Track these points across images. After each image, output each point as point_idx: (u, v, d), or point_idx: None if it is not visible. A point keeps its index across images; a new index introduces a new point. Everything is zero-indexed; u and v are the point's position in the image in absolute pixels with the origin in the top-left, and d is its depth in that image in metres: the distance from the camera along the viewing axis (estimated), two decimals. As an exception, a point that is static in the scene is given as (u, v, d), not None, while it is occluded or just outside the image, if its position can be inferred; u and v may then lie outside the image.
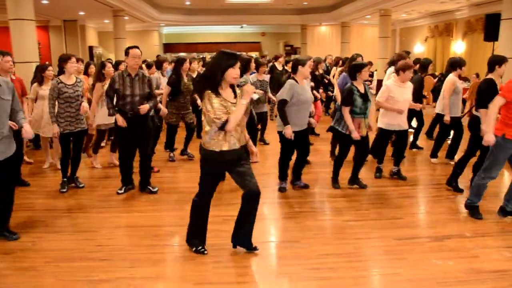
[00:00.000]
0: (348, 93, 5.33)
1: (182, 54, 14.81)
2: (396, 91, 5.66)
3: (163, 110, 6.55)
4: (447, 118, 6.43)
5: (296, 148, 5.49)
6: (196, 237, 3.93)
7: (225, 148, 3.52)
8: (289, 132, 5.09)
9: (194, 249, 3.90)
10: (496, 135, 4.40)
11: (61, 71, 5.38)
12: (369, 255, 3.87)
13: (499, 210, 4.76)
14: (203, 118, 3.55)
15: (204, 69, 5.91)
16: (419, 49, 19.56)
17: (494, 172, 4.56)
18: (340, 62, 11.60)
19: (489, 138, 4.35)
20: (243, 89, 3.48)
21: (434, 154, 7.07)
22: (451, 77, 6.52)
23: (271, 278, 3.53)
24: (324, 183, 5.83)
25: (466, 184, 5.61)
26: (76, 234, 4.34)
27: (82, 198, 5.39)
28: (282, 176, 5.60)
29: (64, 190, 5.58)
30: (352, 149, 5.67)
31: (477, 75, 12.58)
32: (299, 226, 4.51)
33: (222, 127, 3.42)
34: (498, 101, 4.35)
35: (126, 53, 5.20)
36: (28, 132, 4.03)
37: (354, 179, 5.69)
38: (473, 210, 4.73)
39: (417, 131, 8.02)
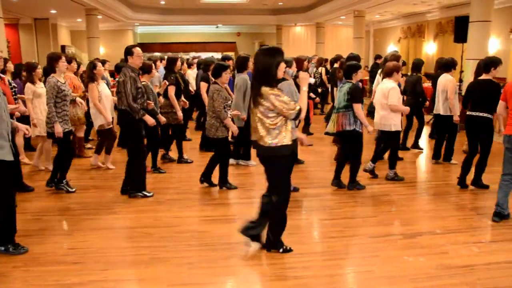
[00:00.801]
0: (360, 92, 5.46)
1: (157, 54, 14.64)
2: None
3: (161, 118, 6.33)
4: (456, 118, 6.52)
5: None
6: (280, 236, 3.86)
7: (292, 137, 3.67)
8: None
9: (282, 250, 3.83)
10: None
11: (51, 70, 5.30)
12: (343, 253, 3.92)
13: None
14: (257, 120, 3.54)
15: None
16: (392, 49, 19.88)
17: None
18: (323, 62, 11.78)
19: None
20: (300, 77, 3.67)
21: (437, 156, 7.04)
22: (450, 77, 6.67)
23: (246, 278, 3.54)
24: (299, 182, 5.86)
25: (451, 182, 5.74)
26: (48, 238, 4.24)
27: (54, 201, 5.29)
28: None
29: (73, 189, 5.56)
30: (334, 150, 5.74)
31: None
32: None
33: (296, 117, 3.51)
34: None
35: (130, 52, 5.10)
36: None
37: (337, 179, 5.76)
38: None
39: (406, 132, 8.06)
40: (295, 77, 3.71)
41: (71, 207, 5.07)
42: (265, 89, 3.44)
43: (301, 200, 5.34)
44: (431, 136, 8.79)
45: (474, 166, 5.64)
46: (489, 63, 5.27)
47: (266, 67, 3.48)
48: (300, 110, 3.48)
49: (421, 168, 7.18)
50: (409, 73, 8.29)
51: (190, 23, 23.34)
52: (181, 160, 7.01)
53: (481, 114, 5.35)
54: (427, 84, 10.63)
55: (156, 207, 5.07)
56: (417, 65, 7.83)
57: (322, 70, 11.44)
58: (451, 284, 3.35)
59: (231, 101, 5.52)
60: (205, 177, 5.73)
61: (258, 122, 3.56)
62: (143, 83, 5.77)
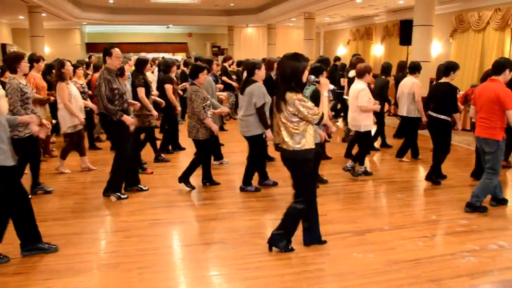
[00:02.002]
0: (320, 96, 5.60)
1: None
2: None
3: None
4: (425, 119, 6.67)
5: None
6: (287, 238, 3.90)
7: (315, 141, 3.72)
8: (270, 135, 5.24)
9: (284, 249, 3.87)
10: (498, 140, 4.70)
11: (12, 71, 5.00)
12: (294, 252, 3.94)
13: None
14: (280, 124, 3.59)
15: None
16: (342, 51, 20.38)
17: (499, 170, 4.87)
18: None
19: None
20: (321, 83, 3.76)
21: (415, 155, 7.28)
22: (416, 80, 6.90)
23: (198, 281, 3.49)
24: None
25: (398, 180, 5.90)
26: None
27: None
28: (249, 181, 5.63)
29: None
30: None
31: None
32: (226, 227, 4.51)
33: (319, 122, 3.57)
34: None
35: (109, 53, 4.97)
36: None
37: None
38: (481, 207, 4.91)
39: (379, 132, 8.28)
40: (317, 82, 3.77)
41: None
42: (290, 95, 3.49)
43: (249, 201, 5.34)
44: (395, 135, 9.06)
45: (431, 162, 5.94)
46: (449, 67, 5.63)
47: (294, 72, 3.52)
48: (323, 115, 3.54)
49: (370, 166, 7.38)
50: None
51: (140, 23, 22.91)
52: (158, 158, 7.03)
53: (440, 116, 5.65)
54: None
55: (104, 212, 4.93)
56: (386, 68, 8.05)
57: None
58: (398, 278, 3.47)
59: (210, 101, 5.50)
60: (184, 178, 5.67)
61: (281, 126, 3.60)
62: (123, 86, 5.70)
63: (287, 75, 3.54)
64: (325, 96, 3.75)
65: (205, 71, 5.50)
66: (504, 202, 5.13)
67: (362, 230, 4.44)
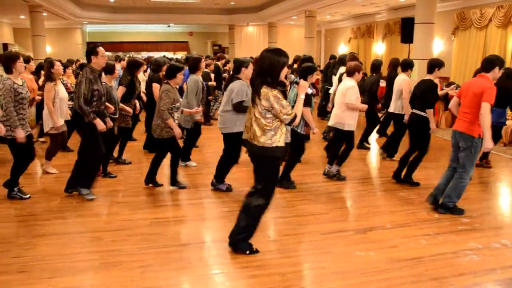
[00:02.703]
0: (309, 96, 5.46)
1: (107, 54, 14.23)
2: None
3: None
4: (406, 118, 6.55)
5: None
6: (249, 239, 3.83)
7: (286, 141, 3.72)
8: None
9: (249, 251, 3.79)
10: (473, 136, 4.61)
11: (7, 71, 4.95)
12: (296, 250, 3.95)
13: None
14: (253, 119, 3.55)
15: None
16: (343, 49, 20.36)
17: (471, 170, 4.78)
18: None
19: (490, 145, 4.57)
20: (299, 85, 3.70)
21: (393, 153, 7.21)
22: (406, 77, 6.88)
23: (200, 280, 3.49)
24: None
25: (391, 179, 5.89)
26: (-12, 246, 4.02)
27: (-5, 207, 5.02)
28: (222, 178, 5.55)
29: (27, 196, 5.26)
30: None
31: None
32: (228, 226, 4.49)
33: (290, 122, 3.54)
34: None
35: (95, 52, 4.91)
36: None
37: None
38: (455, 209, 4.83)
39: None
40: (296, 83, 3.74)
41: (15, 213, 4.82)
42: (265, 90, 3.45)
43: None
44: (378, 132, 8.95)
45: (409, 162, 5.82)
46: (433, 65, 5.54)
47: (272, 67, 3.47)
48: (295, 116, 3.51)
49: (371, 164, 7.38)
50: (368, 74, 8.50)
51: (141, 22, 22.91)
52: (118, 160, 6.78)
53: (421, 113, 5.58)
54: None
55: (106, 211, 4.93)
56: (376, 66, 8.03)
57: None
58: (400, 277, 3.46)
59: (180, 104, 5.43)
60: (149, 178, 5.66)
61: (254, 121, 3.55)
62: (110, 85, 5.71)
63: (264, 69, 3.48)
64: (301, 98, 3.66)
65: (183, 71, 5.46)
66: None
67: (364, 228, 4.43)
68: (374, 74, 7.93)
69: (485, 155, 6.79)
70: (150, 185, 5.68)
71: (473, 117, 4.59)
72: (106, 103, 5.35)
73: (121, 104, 6.12)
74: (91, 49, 4.97)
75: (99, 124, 5.04)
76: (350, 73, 5.91)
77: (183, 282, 3.50)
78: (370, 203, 5.27)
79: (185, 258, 3.81)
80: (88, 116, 4.91)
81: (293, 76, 3.63)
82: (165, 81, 5.38)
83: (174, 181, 5.64)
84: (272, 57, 3.47)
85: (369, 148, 8.08)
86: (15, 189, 5.24)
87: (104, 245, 4.04)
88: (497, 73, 4.67)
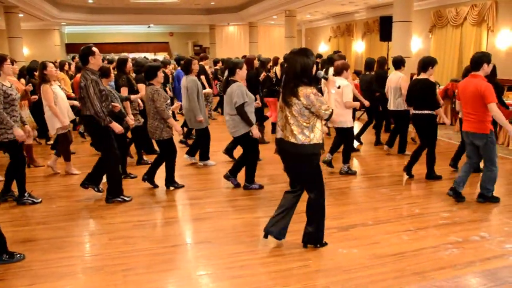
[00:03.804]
0: None
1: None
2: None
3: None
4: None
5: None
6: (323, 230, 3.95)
7: (322, 136, 3.71)
8: (257, 131, 5.29)
9: (319, 245, 3.93)
10: (486, 133, 4.79)
11: None
12: (280, 249, 3.96)
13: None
14: (288, 117, 3.59)
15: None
16: (323, 48, 20.51)
17: (496, 160, 4.96)
18: (278, 60, 11.81)
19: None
20: (328, 80, 3.86)
21: (402, 150, 7.33)
22: (402, 74, 6.98)
23: (184, 282, 3.48)
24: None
25: (382, 174, 5.96)
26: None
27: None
28: (252, 179, 5.59)
29: (39, 200, 5.22)
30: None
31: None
32: (212, 226, 4.50)
33: (328, 118, 3.60)
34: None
35: (91, 52, 4.82)
36: None
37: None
38: (493, 197, 5.07)
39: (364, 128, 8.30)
40: (325, 79, 3.83)
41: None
42: (303, 89, 3.51)
43: (235, 200, 5.34)
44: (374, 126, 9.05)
45: (426, 162, 5.95)
46: (427, 63, 5.69)
47: (305, 67, 3.54)
48: (332, 111, 3.59)
49: (352, 161, 7.43)
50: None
51: (121, 23, 22.70)
52: (141, 162, 6.84)
53: (423, 111, 5.70)
54: (357, 81, 11.02)
55: (88, 215, 4.88)
56: (370, 64, 8.12)
57: (276, 69, 11.47)
58: (383, 272, 3.50)
59: (170, 100, 5.46)
60: (149, 176, 5.64)
61: (290, 120, 3.60)
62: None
63: (297, 72, 3.56)
64: (332, 93, 3.81)
65: (162, 69, 5.49)
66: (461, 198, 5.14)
67: (346, 226, 4.47)
68: (367, 72, 8.06)
69: None
70: (144, 185, 5.69)
71: (478, 116, 4.78)
72: (112, 103, 5.31)
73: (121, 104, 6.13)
74: (87, 50, 4.86)
75: (116, 127, 4.98)
76: (338, 72, 6.02)
77: (167, 285, 3.47)
78: (352, 200, 5.32)
79: (169, 260, 3.79)
80: (105, 120, 4.83)
81: (321, 73, 3.73)
82: (148, 82, 5.35)
83: (172, 181, 5.63)
84: (302, 60, 3.56)
85: (358, 150, 8.11)
86: (25, 194, 5.18)
87: (86, 250, 4.00)
88: (486, 68, 4.82)
